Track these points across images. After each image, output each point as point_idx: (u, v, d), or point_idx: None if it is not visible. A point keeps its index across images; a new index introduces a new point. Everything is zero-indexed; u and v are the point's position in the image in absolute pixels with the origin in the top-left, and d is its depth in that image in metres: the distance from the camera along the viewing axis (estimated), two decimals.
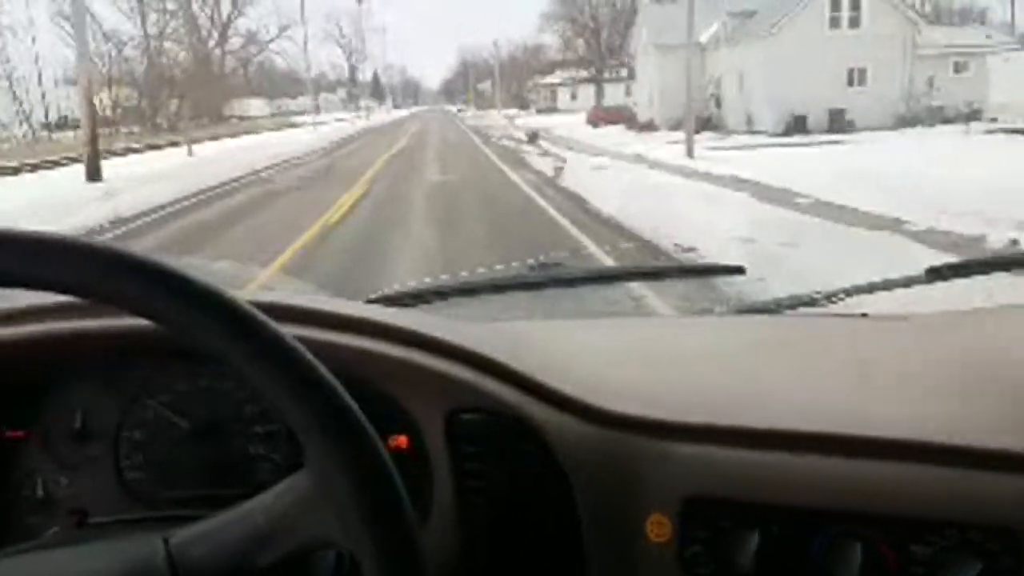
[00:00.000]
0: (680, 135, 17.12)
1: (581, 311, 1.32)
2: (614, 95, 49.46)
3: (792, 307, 1.17)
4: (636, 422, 0.72)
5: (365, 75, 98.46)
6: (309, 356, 0.44)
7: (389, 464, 0.45)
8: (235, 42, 56.19)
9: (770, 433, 0.70)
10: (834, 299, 1.17)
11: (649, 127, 27.32)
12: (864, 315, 1.07)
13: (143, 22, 36.99)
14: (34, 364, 0.82)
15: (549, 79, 57.60)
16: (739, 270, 1.31)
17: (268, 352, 0.44)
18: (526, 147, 20.50)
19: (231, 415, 0.80)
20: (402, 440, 0.76)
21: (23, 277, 0.42)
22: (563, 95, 56.01)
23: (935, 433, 0.67)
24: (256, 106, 66.82)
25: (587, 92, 54.08)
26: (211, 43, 53.99)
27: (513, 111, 56.96)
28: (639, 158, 14.99)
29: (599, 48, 50.92)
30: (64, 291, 0.43)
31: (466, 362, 0.75)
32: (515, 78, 68.70)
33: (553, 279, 1.20)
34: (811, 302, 1.17)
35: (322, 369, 0.44)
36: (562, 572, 0.69)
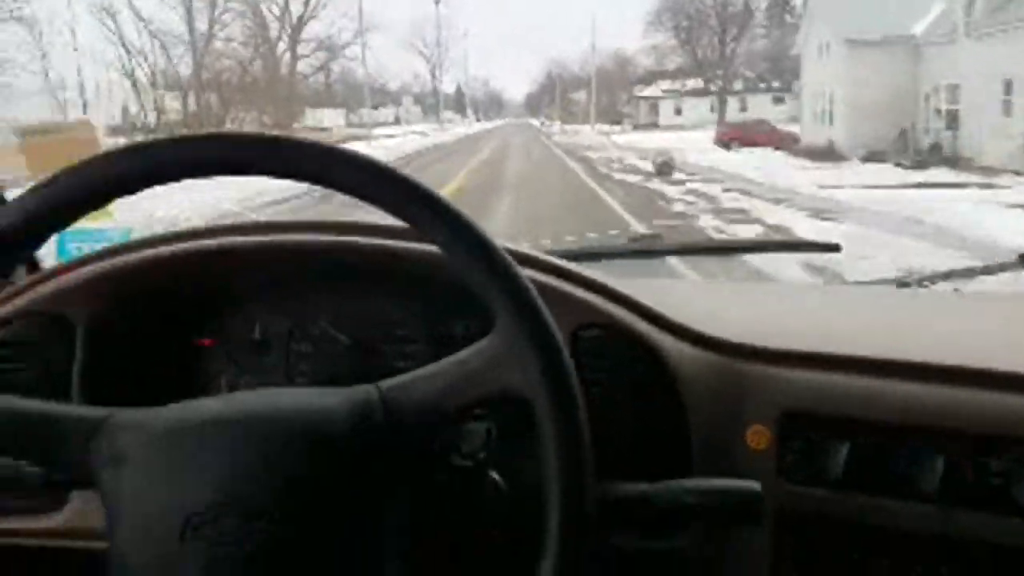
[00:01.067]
0: (888, 168, 10.73)
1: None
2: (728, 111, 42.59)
3: (888, 283, 1.28)
4: (742, 348, 0.83)
5: (448, 87, 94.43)
6: (502, 250, 0.56)
7: (557, 332, 0.56)
8: (307, 47, 51.96)
9: (862, 360, 0.79)
10: (928, 282, 1.26)
11: (827, 155, 19.77)
12: (956, 290, 1.24)
13: (189, 18, 32.36)
14: (225, 276, 0.93)
15: (648, 91, 50.99)
16: (835, 247, 1.39)
17: (475, 245, 0.56)
18: (664, 187, 13.96)
19: (382, 334, 0.91)
20: None
21: (318, 178, 0.55)
22: (665, 109, 49.42)
23: (1013, 365, 0.76)
24: (330, 117, 62.79)
25: (694, 106, 47.26)
26: (281, 47, 50.06)
27: (605, 127, 50.67)
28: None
29: (722, 52, 44.03)
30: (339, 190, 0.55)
31: (591, 288, 0.85)
32: (606, 90, 62.47)
33: (649, 250, 1.33)
34: (906, 284, 1.27)
35: (511, 260, 0.56)
36: (670, 474, 0.73)
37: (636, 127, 49.09)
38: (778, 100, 45.63)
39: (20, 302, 0.88)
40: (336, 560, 0.54)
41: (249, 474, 0.53)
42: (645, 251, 1.33)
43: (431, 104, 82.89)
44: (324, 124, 57.36)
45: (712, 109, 46.97)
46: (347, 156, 0.55)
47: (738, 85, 46.23)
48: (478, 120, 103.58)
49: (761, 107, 43.56)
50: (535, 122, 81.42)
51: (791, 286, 1.27)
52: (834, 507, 0.77)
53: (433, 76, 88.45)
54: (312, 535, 0.53)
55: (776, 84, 46.08)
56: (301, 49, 51.68)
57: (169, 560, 0.52)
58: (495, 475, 0.74)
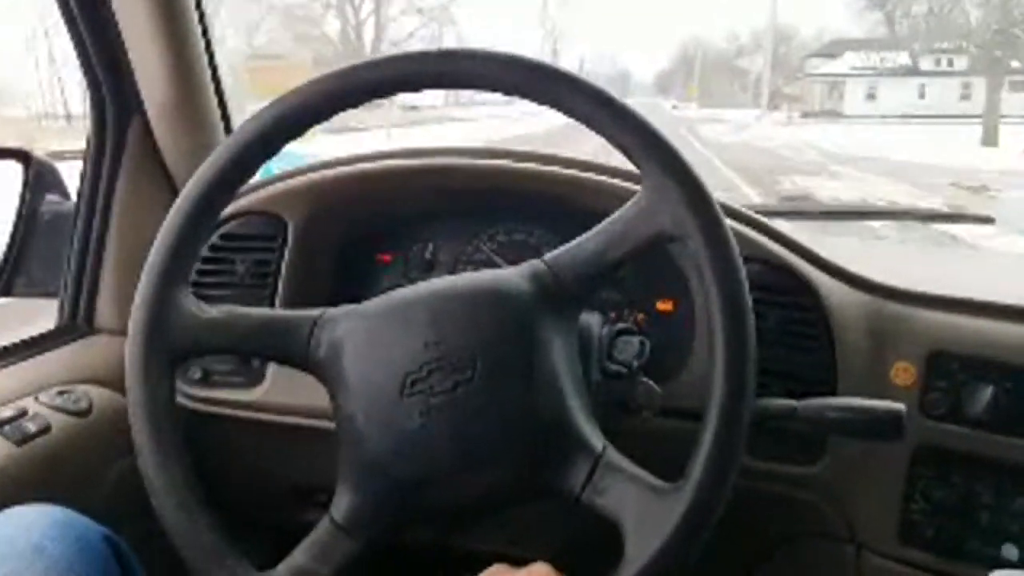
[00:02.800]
0: None
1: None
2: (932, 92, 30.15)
3: None
4: (893, 290, 0.88)
5: (570, 64, 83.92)
6: (656, 127, 0.62)
7: (701, 178, 0.61)
8: (394, 12, 42.96)
9: (1009, 307, 0.83)
10: None
11: None
12: None
13: None
14: (409, 196, 1.02)
15: (828, 67, 38.47)
16: (989, 220, 1.39)
17: (631, 119, 0.62)
18: None
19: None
20: (668, 303, 0.96)
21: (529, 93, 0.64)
22: (854, 92, 36.88)
23: None
24: (434, 94, 54.16)
25: (894, 89, 34.69)
26: (364, 13, 41.49)
27: (752, 113, 39.04)
28: None
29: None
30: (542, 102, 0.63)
31: (752, 225, 0.90)
32: (775, 71, 50.44)
33: (801, 211, 1.39)
34: None
35: (658, 127, 0.62)
36: (806, 395, 0.75)
37: (806, 115, 37.10)
38: None
39: (242, 202, 1.00)
40: (527, 397, 0.61)
41: (452, 336, 0.61)
42: (796, 212, 1.39)
43: None
44: (419, 102, 49.31)
45: (921, 95, 34.38)
46: (577, 81, 0.63)
47: (960, 62, 33.40)
48: None
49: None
50: (666, 105, 69.74)
51: (945, 249, 1.31)
52: (972, 445, 0.81)
53: (553, 50, 78.78)
54: (510, 377, 0.61)
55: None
56: (390, 12, 43.09)
57: (392, 413, 0.61)
58: (649, 381, 0.76)
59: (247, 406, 0.99)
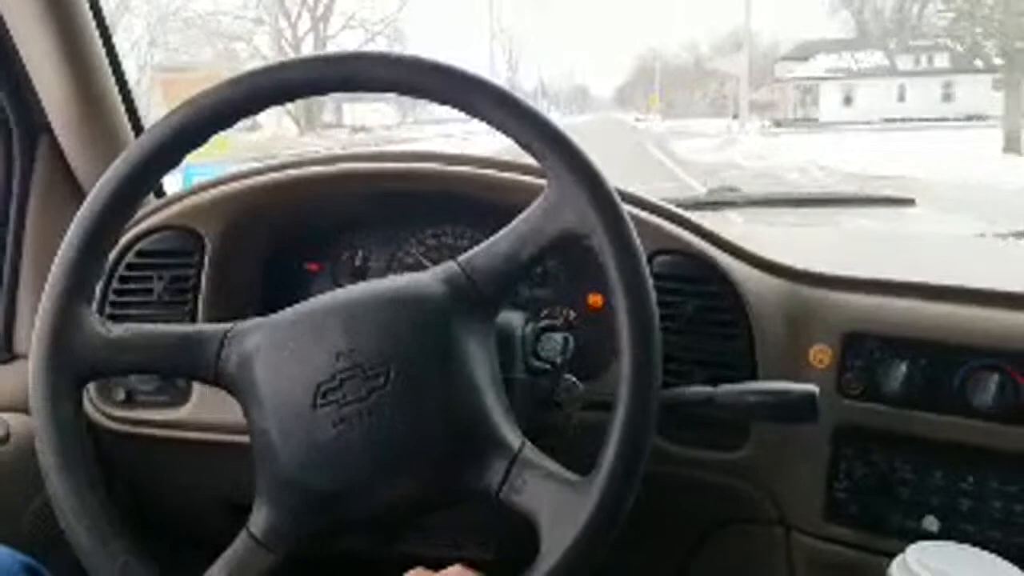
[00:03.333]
0: None
1: None
2: (926, 94, 28.24)
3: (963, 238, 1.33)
4: (808, 274, 0.89)
5: (527, 83, 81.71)
6: (558, 126, 0.62)
7: (603, 173, 0.61)
8: (335, 28, 40.16)
9: (920, 285, 0.85)
10: (1012, 236, 1.29)
11: None
12: None
13: None
14: (335, 203, 1.00)
15: (801, 70, 36.37)
16: (910, 202, 1.49)
17: (534, 119, 0.62)
18: None
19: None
20: (598, 299, 0.96)
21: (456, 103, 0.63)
22: (829, 97, 34.65)
23: None
24: (384, 112, 51.32)
25: (872, 92, 32.69)
26: (302, 29, 38.61)
27: (715, 126, 36.89)
28: None
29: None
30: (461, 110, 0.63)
31: (667, 217, 0.90)
32: (715, 78, 48.44)
33: (727, 201, 1.42)
34: (981, 236, 1.31)
35: (562, 129, 0.62)
36: (729, 381, 0.77)
37: (779, 123, 34.95)
38: None
39: (155, 219, 0.98)
40: (441, 401, 0.60)
41: (365, 343, 0.61)
42: (724, 202, 1.40)
43: None
44: (367, 122, 46.39)
45: (901, 98, 32.39)
46: (478, 81, 0.62)
47: (941, 60, 31.48)
48: (561, 116, 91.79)
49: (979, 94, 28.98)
50: (626, 118, 67.72)
51: (864, 231, 1.33)
52: (890, 422, 0.82)
53: (510, 65, 76.56)
54: (425, 383, 0.60)
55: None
56: (330, 29, 40.26)
57: (306, 425, 0.60)
58: (571, 377, 0.76)
59: (174, 425, 0.97)
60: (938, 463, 0.82)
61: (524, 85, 80.00)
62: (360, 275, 1.04)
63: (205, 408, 0.95)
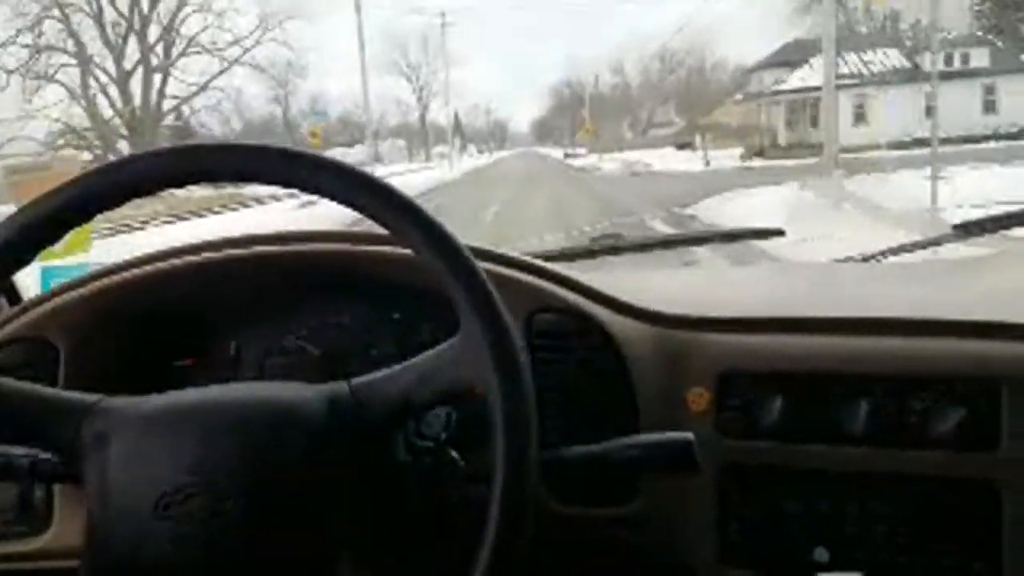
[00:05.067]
0: None
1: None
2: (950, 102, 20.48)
3: (838, 262, 1.34)
4: (680, 319, 0.89)
5: (442, 117, 73.08)
6: (466, 249, 0.60)
7: (513, 329, 0.60)
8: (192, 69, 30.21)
9: (788, 320, 0.86)
10: (876, 259, 1.31)
11: None
12: (876, 261, 1.30)
13: None
14: (198, 294, 0.96)
15: (787, 84, 27.92)
16: (779, 232, 1.49)
17: (444, 246, 0.60)
18: None
19: (353, 344, 0.96)
20: None
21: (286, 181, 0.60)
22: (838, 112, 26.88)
23: (923, 312, 0.84)
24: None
25: (891, 103, 24.81)
26: (126, 64, 28.70)
27: (665, 158, 28.38)
28: None
29: None
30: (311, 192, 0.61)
31: (545, 276, 0.91)
32: (683, 101, 40.82)
33: (611, 248, 1.40)
34: (851, 259, 1.33)
35: (473, 261, 0.60)
36: (618, 434, 0.77)
37: (757, 154, 26.65)
38: None
39: (7, 330, 0.92)
40: (297, 541, 0.58)
41: (222, 458, 0.57)
42: (607, 249, 1.40)
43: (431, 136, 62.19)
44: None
45: (929, 110, 24.77)
46: (323, 161, 0.61)
47: (979, 58, 23.94)
48: (480, 152, 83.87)
49: None
50: (553, 153, 59.61)
51: (744, 268, 1.39)
52: (771, 457, 0.83)
53: (421, 103, 67.89)
54: (277, 517, 0.57)
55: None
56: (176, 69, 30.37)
57: (142, 536, 0.56)
58: (454, 453, 0.75)
59: (35, 556, 0.88)
60: (822, 493, 0.82)
61: (439, 120, 71.46)
62: (235, 367, 0.96)
63: (71, 531, 0.84)
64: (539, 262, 0.94)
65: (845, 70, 26.17)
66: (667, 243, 1.50)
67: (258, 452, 0.58)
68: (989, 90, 24.57)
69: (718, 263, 1.61)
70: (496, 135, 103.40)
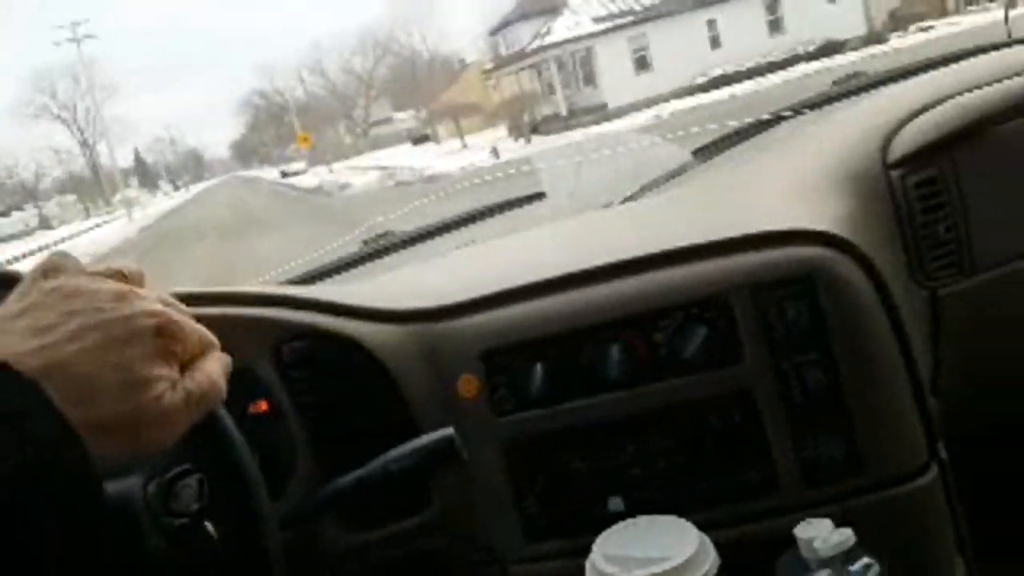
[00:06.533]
0: None
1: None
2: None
3: (596, 209, 1.34)
4: (433, 311, 0.88)
5: (121, 159, 60.09)
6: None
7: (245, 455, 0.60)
8: None
9: (528, 286, 0.86)
10: (630, 200, 1.32)
11: None
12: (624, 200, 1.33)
13: None
14: None
15: (553, 36, 21.79)
16: (540, 196, 1.49)
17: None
18: None
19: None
20: (262, 404, 0.87)
21: None
22: (612, 64, 20.81)
23: (647, 248, 0.84)
24: None
25: (671, 42, 20.66)
26: None
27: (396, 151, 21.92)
28: None
29: None
30: None
31: (283, 304, 0.88)
32: (405, 90, 34.56)
33: (383, 248, 1.35)
34: (609, 205, 1.33)
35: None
36: (401, 441, 0.77)
37: (536, 128, 21.31)
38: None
39: None
40: None
41: None
42: (379, 251, 1.37)
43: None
44: None
45: (716, 42, 21.06)
46: None
47: None
48: (177, 189, 72.09)
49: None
50: (264, 175, 50.75)
51: (510, 238, 1.28)
52: (546, 423, 0.84)
53: (84, 146, 55.01)
54: None
55: None
56: None
57: None
58: (209, 526, 0.67)
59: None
60: (601, 445, 0.84)
61: (120, 162, 58.89)
62: None
63: None
64: (280, 289, 0.95)
65: (614, 8, 21.72)
66: (434, 232, 1.42)
67: None
68: (771, 7, 21.41)
69: (492, 239, 1.35)
70: (190, 166, 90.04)
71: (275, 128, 59.79)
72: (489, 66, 29.39)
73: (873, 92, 1.40)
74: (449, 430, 0.71)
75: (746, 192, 1.06)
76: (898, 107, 0.97)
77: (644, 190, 1.36)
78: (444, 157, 20.73)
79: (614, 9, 21.52)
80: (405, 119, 47.37)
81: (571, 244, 1.10)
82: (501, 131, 24.35)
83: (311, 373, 0.85)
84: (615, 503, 0.83)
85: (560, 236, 1.19)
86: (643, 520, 0.72)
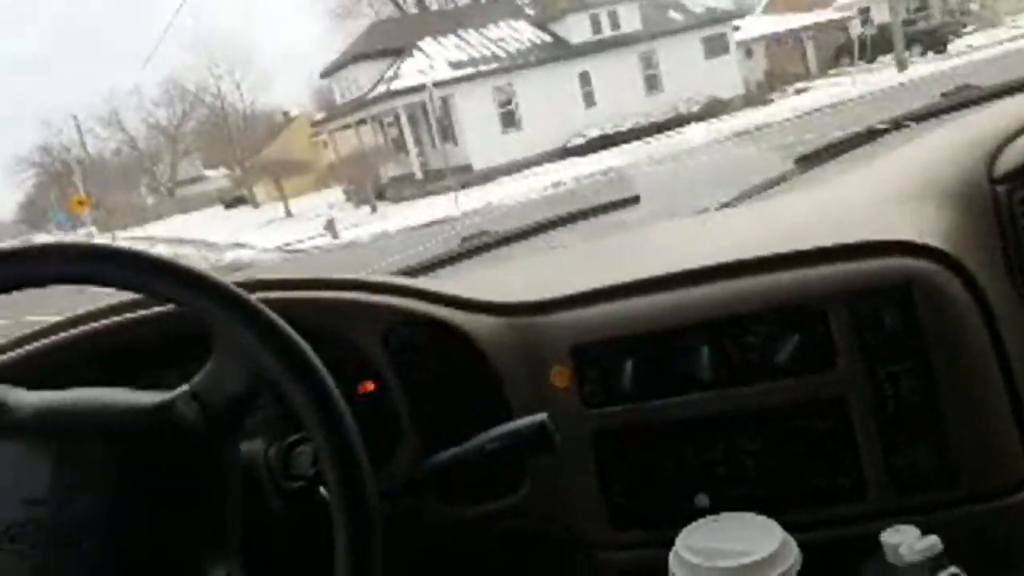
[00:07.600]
0: None
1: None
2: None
3: (692, 215, 1.39)
4: (527, 306, 0.93)
5: None
6: (286, 328, 0.59)
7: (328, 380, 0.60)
8: None
9: (624, 285, 0.89)
10: (728, 206, 1.35)
11: None
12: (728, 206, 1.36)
13: None
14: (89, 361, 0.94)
15: (402, 81, 17.83)
16: (635, 200, 1.53)
17: (256, 321, 0.59)
18: None
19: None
20: (370, 385, 0.93)
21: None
22: (475, 120, 17.46)
23: (743, 253, 0.86)
24: None
25: (537, 93, 17.89)
26: None
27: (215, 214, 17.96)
28: None
29: None
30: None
31: (393, 292, 0.94)
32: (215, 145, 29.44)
33: (477, 247, 1.42)
34: (705, 210, 1.37)
35: (294, 335, 0.59)
36: (496, 425, 0.78)
37: (382, 194, 17.58)
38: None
39: None
40: (148, 564, 0.56)
41: (78, 496, 0.55)
42: (476, 248, 1.42)
43: None
44: None
45: (590, 98, 18.57)
46: (114, 251, 0.58)
47: (630, 17, 18.20)
48: None
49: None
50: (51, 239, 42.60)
51: (601, 242, 1.32)
52: (635, 417, 0.86)
53: None
54: (128, 551, 0.55)
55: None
56: None
57: None
58: (323, 490, 0.70)
59: None
60: (689, 442, 0.85)
61: None
62: None
63: None
64: (391, 279, 1.00)
65: (475, 53, 18.60)
66: (528, 232, 1.48)
67: (111, 483, 0.55)
68: (647, 59, 19.22)
69: (580, 243, 1.43)
70: None
71: (59, 188, 51.46)
72: (320, 116, 25.27)
73: (981, 106, 1.36)
74: (543, 416, 0.73)
75: (845, 202, 1.06)
76: (1006, 122, 0.96)
77: (742, 197, 1.38)
78: (261, 230, 16.45)
79: (475, 54, 18.54)
80: (218, 178, 41.79)
81: (665, 248, 1.13)
82: (335, 194, 20.38)
83: (417, 357, 0.90)
84: (701, 499, 0.85)
85: (654, 240, 1.23)
86: (728, 516, 0.75)
